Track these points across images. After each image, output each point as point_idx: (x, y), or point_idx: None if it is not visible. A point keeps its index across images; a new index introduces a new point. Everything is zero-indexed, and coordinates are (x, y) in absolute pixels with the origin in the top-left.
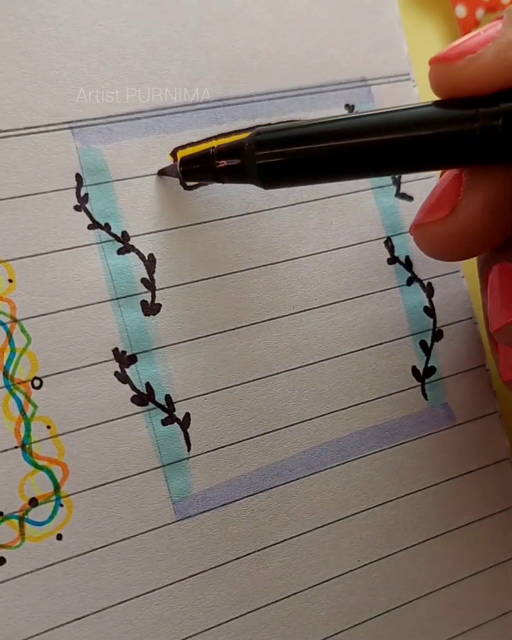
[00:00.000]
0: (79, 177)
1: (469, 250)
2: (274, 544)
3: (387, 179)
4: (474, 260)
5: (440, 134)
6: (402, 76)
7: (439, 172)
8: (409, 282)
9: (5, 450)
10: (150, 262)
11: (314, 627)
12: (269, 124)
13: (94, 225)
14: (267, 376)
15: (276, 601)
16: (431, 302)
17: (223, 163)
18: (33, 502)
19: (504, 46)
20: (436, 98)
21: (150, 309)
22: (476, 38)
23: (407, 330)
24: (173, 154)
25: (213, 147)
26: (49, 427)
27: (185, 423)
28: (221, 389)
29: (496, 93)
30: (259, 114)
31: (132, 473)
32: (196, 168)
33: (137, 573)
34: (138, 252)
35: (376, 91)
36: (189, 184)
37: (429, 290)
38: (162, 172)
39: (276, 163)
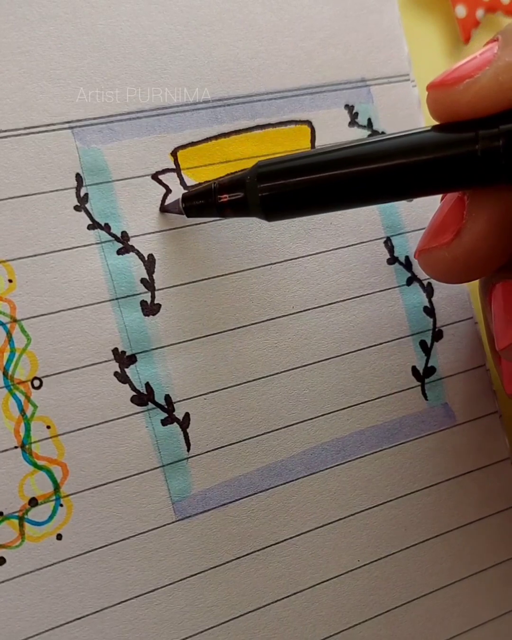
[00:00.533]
0: (79, 177)
1: (475, 272)
2: (274, 544)
3: None
4: None
5: (442, 157)
6: (402, 76)
7: (441, 195)
8: (409, 282)
9: (5, 450)
10: (150, 262)
11: (314, 627)
12: (270, 158)
13: (94, 225)
14: (267, 376)
15: (276, 601)
16: (430, 302)
17: (225, 197)
18: (33, 502)
19: (501, 69)
20: (434, 121)
21: (150, 309)
22: (472, 62)
23: (407, 330)
24: (173, 153)
25: (214, 182)
26: (48, 427)
27: (185, 423)
28: (221, 389)
29: (495, 115)
30: (259, 114)
31: (132, 473)
32: (199, 204)
33: (137, 573)
34: (138, 252)
35: (376, 91)
36: None
37: (429, 290)
38: (164, 209)
39: (278, 195)
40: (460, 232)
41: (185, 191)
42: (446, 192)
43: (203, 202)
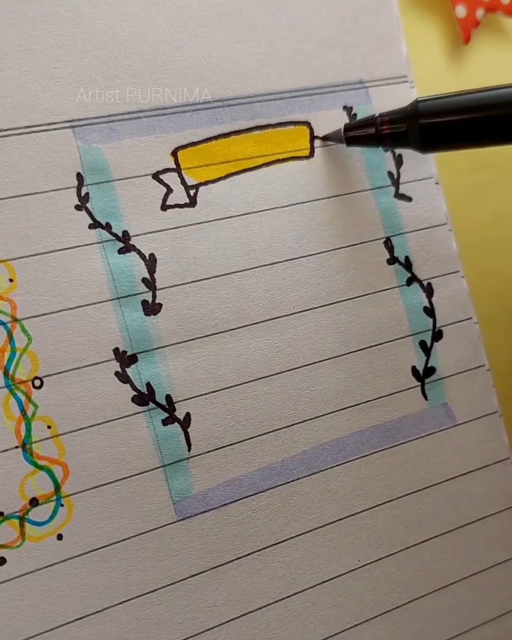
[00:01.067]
0: (79, 177)
1: None
2: (274, 544)
3: (387, 180)
4: (473, 261)
5: None
6: (400, 78)
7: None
8: (409, 282)
9: (6, 450)
10: (151, 262)
11: (315, 627)
12: (429, 95)
13: (95, 224)
14: (267, 376)
15: (276, 601)
16: (430, 302)
17: (387, 129)
18: (33, 502)
19: None
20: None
21: (151, 308)
22: None
23: (407, 330)
24: (173, 153)
25: (377, 115)
26: (49, 427)
27: (185, 423)
28: (221, 389)
29: None
30: (258, 115)
31: (132, 473)
32: (361, 134)
33: (137, 573)
34: (139, 252)
35: (374, 93)
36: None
37: (429, 290)
38: (325, 138)
39: (435, 130)
40: None
41: (347, 123)
42: None
43: (365, 132)
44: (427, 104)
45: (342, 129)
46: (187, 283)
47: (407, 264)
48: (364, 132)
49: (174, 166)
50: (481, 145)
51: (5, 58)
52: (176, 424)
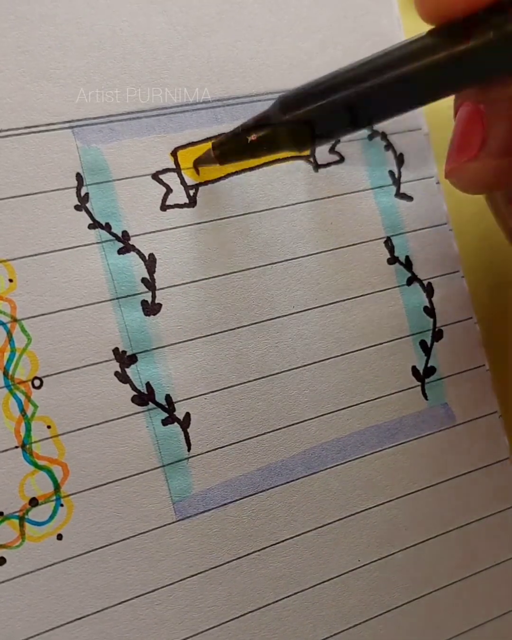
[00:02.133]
0: (79, 177)
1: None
2: (274, 544)
3: (387, 179)
4: (473, 261)
5: (458, 53)
6: None
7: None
8: (409, 282)
9: (6, 450)
10: (150, 262)
11: (315, 627)
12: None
13: (95, 224)
14: (267, 376)
15: (276, 601)
16: (430, 302)
17: (254, 136)
18: (33, 502)
19: None
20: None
21: (151, 308)
22: None
23: (407, 330)
24: (173, 153)
25: (239, 126)
26: (49, 427)
27: (185, 423)
28: (221, 389)
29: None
30: None
31: (132, 473)
32: (230, 148)
33: (137, 573)
34: (138, 252)
35: None
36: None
37: (429, 290)
38: (198, 162)
39: (303, 122)
40: (486, 141)
41: (213, 140)
42: (466, 88)
43: (233, 145)
44: (289, 98)
45: (211, 149)
46: (187, 283)
47: (408, 264)
48: (232, 146)
49: (173, 166)
50: (361, 128)
51: (4, 59)
52: (176, 423)
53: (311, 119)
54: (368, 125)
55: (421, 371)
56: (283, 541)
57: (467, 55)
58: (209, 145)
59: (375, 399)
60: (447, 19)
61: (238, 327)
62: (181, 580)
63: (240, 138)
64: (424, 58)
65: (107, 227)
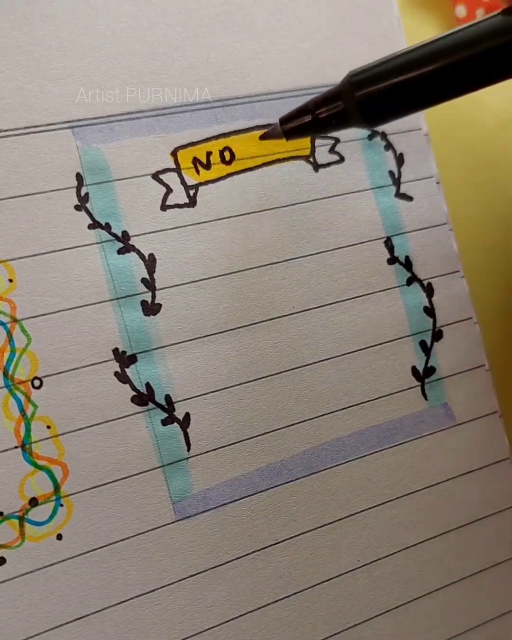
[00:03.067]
0: (79, 177)
1: None
2: (274, 544)
3: (387, 179)
4: (473, 261)
5: None
6: None
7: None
8: (409, 282)
9: (6, 450)
10: (150, 262)
11: (314, 627)
12: (360, 66)
13: (95, 224)
14: (267, 376)
15: (276, 601)
16: (431, 302)
17: (324, 112)
18: (33, 502)
19: None
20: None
21: (151, 309)
22: None
23: (407, 330)
24: (173, 153)
25: (309, 101)
26: (49, 427)
27: (185, 423)
28: (221, 389)
29: None
30: (258, 115)
31: (132, 473)
32: (298, 124)
33: (137, 573)
34: (138, 252)
35: None
36: None
37: (429, 290)
38: (265, 137)
39: (374, 100)
40: None
41: (282, 115)
42: None
43: (302, 121)
44: (361, 75)
45: (278, 124)
46: (186, 283)
47: (408, 264)
48: (301, 121)
49: (173, 166)
50: (426, 105)
51: (4, 59)
52: (176, 424)
53: (383, 97)
54: (438, 103)
55: (421, 371)
56: (283, 541)
57: None
58: (209, 145)
59: (375, 399)
60: None
61: (238, 327)
62: (181, 580)
63: (309, 114)
64: (500, 37)
65: (107, 227)
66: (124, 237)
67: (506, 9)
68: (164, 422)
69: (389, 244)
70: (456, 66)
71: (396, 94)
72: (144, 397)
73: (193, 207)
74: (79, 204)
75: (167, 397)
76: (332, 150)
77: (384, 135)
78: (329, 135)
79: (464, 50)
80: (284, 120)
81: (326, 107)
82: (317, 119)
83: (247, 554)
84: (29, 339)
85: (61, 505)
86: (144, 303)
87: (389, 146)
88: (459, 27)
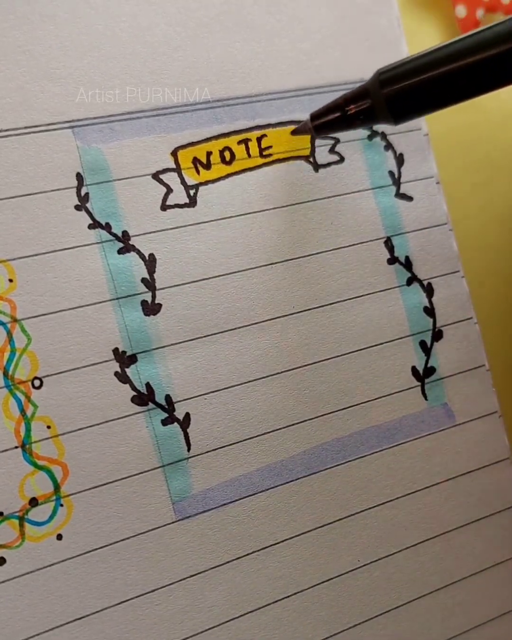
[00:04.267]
0: (79, 177)
1: None
2: (274, 544)
3: (387, 179)
4: (473, 261)
5: None
6: None
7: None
8: (409, 282)
9: (6, 450)
10: (150, 262)
11: (314, 627)
12: (389, 64)
13: (95, 224)
14: (267, 376)
15: (276, 601)
16: (430, 302)
17: (353, 108)
18: (33, 502)
19: None
20: None
21: (151, 308)
22: None
23: (407, 330)
24: (173, 153)
25: (340, 97)
26: (49, 427)
27: (185, 423)
28: (221, 389)
29: None
30: (258, 115)
31: (132, 473)
32: (328, 120)
33: (137, 573)
34: (139, 252)
35: None
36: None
37: (429, 290)
38: (296, 132)
39: (402, 97)
40: None
41: (312, 111)
42: None
43: (331, 117)
44: (389, 73)
45: (309, 120)
46: (187, 283)
47: (408, 264)
48: (331, 117)
49: (174, 166)
50: (452, 103)
51: (4, 59)
52: (176, 424)
53: (410, 94)
54: (465, 100)
55: (421, 371)
56: (283, 541)
57: None
58: (209, 145)
59: (375, 399)
60: None
61: (238, 327)
62: (181, 580)
63: (339, 110)
64: None
65: (107, 227)
66: (124, 237)
67: None
68: (164, 422)
69: (389, 244)
70: (482, 64)
71: (423, 91)
72: (144, 397)
73: (193, 207)
74: (79, 203)
75: (167, 397)
76: (332, 150)
77: (384, 136)
78: (331, 135)
79: (490, 48)
80: (314, 116)
81: (354, 104)
82: (345, 115)
83: (247, 554)
84: (29, 339)
85: (61, 505)
86: (144, 303)
87: (389, 146)
88: (485, 26)
